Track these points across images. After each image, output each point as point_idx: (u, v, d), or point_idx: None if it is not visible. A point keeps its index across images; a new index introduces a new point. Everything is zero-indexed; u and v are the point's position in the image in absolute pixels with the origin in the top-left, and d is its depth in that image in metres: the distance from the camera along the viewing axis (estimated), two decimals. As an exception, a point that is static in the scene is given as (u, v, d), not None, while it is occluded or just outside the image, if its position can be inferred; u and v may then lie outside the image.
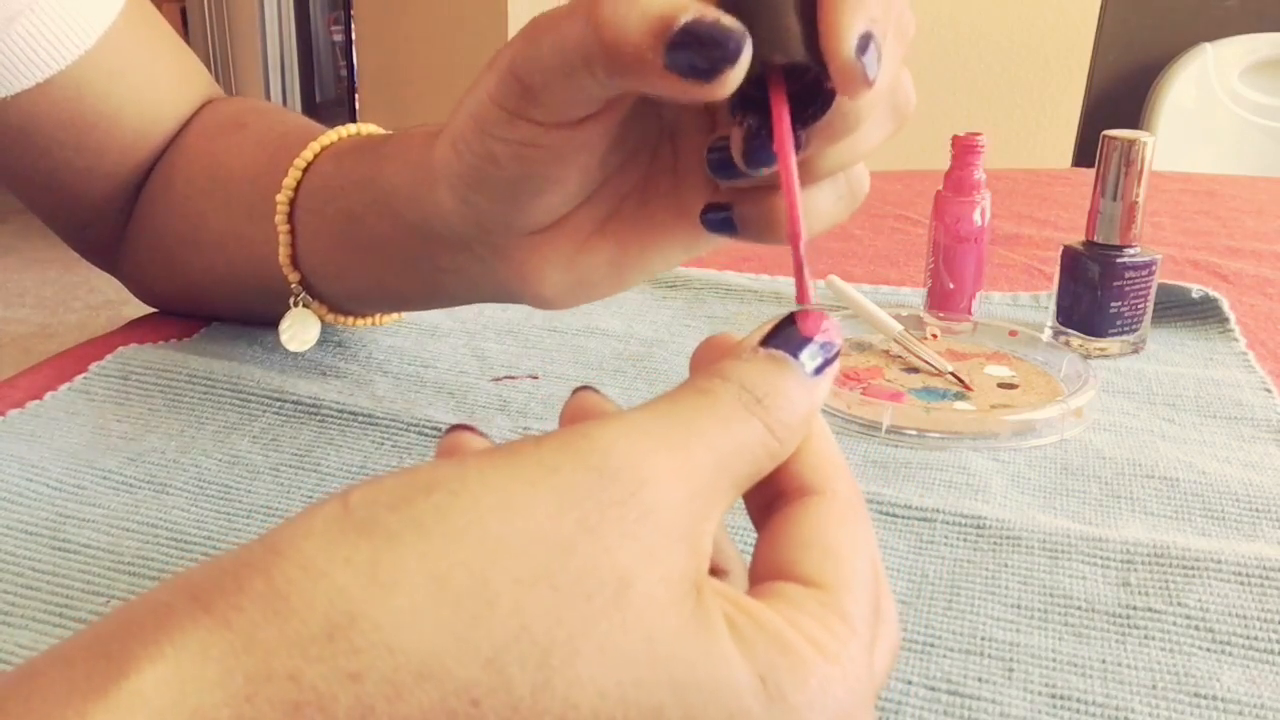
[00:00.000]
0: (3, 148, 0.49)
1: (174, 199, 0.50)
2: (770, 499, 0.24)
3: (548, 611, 0.19)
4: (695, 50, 0.26)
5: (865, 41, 0.27)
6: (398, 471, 0.21)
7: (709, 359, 0.25)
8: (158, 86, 0.51)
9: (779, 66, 0.27)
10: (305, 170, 0.45)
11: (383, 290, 0.44)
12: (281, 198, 0.44)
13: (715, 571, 0.24)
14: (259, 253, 0.46)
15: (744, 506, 0.25)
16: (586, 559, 0.19)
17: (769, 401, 0.23)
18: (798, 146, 0.29)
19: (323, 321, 0.48)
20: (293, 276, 0.46)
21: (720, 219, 0.33)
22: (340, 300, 0.47)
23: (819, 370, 0.24)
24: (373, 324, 0.51)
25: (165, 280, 0.53)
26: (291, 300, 0.47)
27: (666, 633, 0.19)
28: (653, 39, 0.26)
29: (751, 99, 0.28)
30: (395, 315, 0.52)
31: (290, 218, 0.45)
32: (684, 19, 0.26)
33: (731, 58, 0.26)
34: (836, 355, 0.24)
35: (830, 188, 0.33)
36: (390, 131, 0.45)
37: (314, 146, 0.45)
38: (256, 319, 0.54)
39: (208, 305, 0.53)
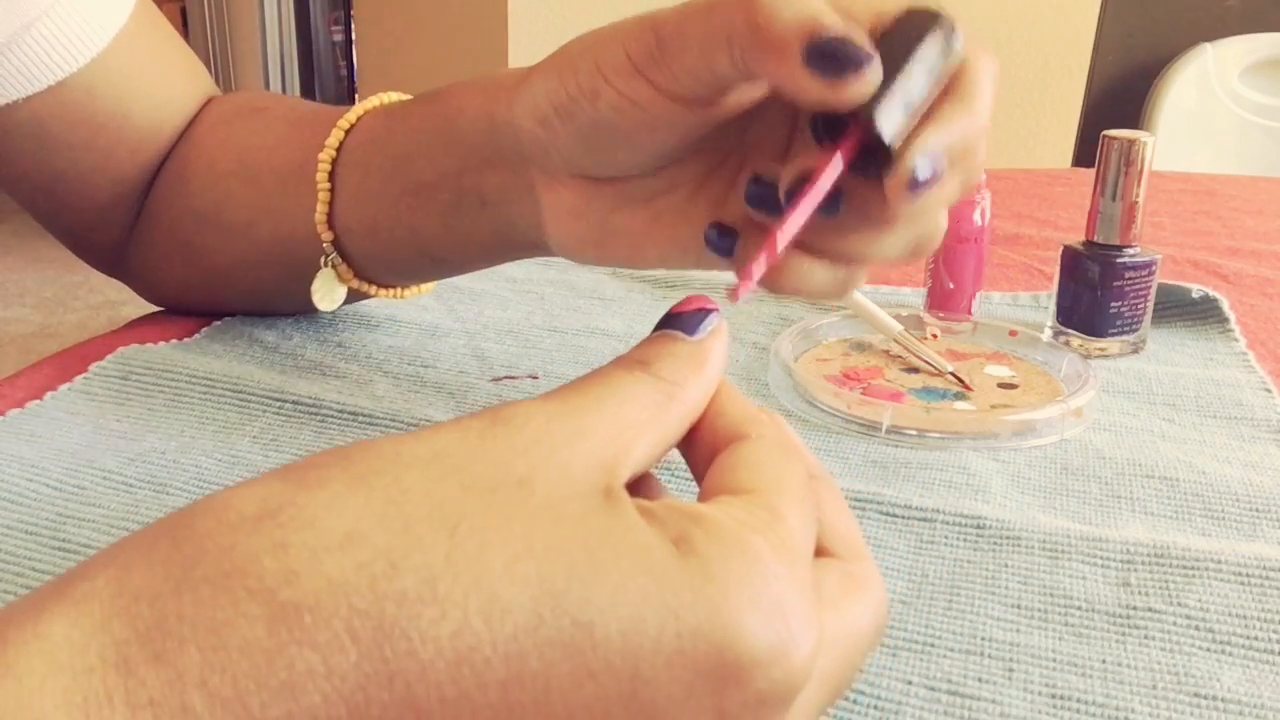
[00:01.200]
0: (12, 149, 0.49)
1: (194, 185, 0.51)
2: (706, 462, 0.25)
3: (456, 498, 0.20)
4: (832, 55, 0.28)
5: (933, 158, 0.29)
6: None
7: None
8: (165, 86, 0.52)
9: (868, 124, 0.29)
10: (348, 131, 0.46)
11: (415, 241, 0.45)
12: (324, 156, 0.46)
13: None
14: (287, 224, 0.47)
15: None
16: (487, 466, 0.21)
17: (649, 357, 0.25)
18: (835, 207, 0.32)
19: (348, 286, 0.49)
20: (326, 236, 0.47)
21: (723, 241, 0.36)
22: (368, 262, 0.48)
23: (697, 328, 0.26)
24: (394, 296, 0.51)
25: (179, 270, 0.53)
26: (322, 260, 0.48)
27: (572, 509, 0.21)
28: (800, 31, 0.28)
29: (835, 134, 0.31)
30: (415, 289, 0.52)
31: (330, 176, 0.46)
32: (834, 29, 0.28)
33: (859, 71, 0.28)
34: (713, 313, 0.26)
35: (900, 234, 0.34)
36: None
37: (357, 109, 0.47)
38: (269, 304, 0.54)
39: (223, 292, 0.54)
